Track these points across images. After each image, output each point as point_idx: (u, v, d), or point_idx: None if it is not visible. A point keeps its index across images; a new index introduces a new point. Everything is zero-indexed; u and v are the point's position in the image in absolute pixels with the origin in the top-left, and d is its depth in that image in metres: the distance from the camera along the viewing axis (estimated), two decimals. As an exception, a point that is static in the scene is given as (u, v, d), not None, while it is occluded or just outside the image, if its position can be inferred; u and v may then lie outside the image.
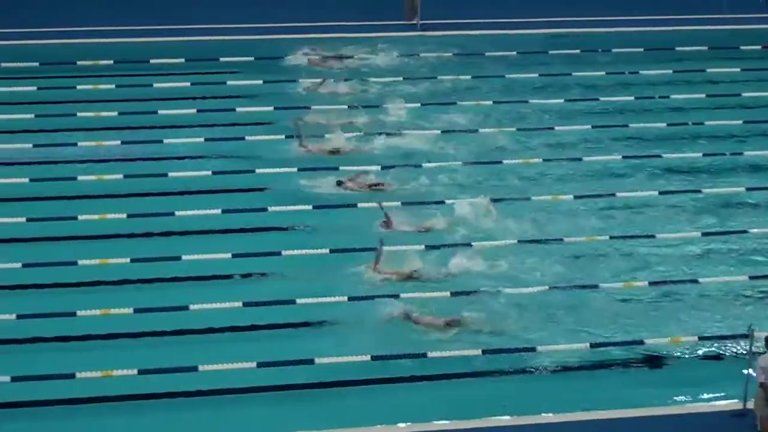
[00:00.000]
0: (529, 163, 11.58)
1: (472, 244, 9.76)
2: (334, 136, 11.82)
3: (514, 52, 14.65)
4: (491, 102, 13.15)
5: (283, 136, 11.90)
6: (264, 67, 13.78)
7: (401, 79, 13.70)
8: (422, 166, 11.34)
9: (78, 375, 7.78)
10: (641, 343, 8.44)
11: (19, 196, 10.41)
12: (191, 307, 8.69)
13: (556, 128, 12.46)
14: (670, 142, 12.17)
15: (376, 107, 12.72)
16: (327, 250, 9.53)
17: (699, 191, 11.01)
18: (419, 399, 7.84)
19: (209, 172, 11.04)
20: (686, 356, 8.42)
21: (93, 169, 11.04)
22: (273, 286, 9.05)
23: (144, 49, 14.16)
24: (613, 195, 10.89)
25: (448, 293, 9.06)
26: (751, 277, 9.42)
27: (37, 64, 13.64)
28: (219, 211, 10.27)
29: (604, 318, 8.86)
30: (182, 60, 13.81)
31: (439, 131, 12.26)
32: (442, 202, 10.49)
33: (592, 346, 8.40)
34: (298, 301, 8.75)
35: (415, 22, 15.56)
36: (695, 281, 9.35)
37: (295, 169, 11.13)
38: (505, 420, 7.64)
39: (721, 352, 8.44)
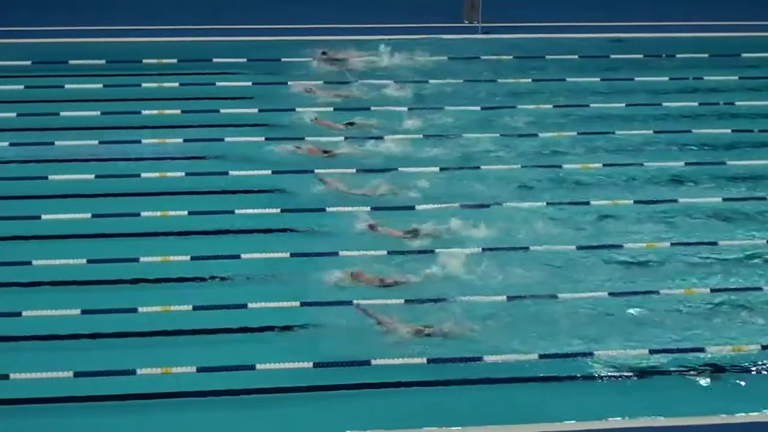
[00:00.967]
0: (588, 168, 11.57)
1: (530, 248, 9.75)
2: (389, 139, 11.88)
3: (576, 56, 14.60)
4: (551, 106, 13.15)
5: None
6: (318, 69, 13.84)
7: (461, 81, 13.74)
8: (480, 168, 11.38)
9: (139, 371, 7.93)
10: (701, 350, 8.38)
11: (85, 193, 10.58)
12: (250, 305, 8.78)
13: (618, 132, 12.40)
14: (734, 149, 12.05)
15: (439, 108, 12.78)
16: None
17: (765, 198, 10.88)
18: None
19: (269, 172, 11.13)
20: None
21: (156, 166, 11.20)
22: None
23: (208, 48, 14.30)
24: (675, 201, 10.82)
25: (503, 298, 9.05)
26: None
27: (103, 61, 13.85)
28: (278, 210, 10.36)
29: (676, 324, 8.71)
30: (244, 60, 13.90)
31: (498, 134, 12.28)
32: (500, 205, 10.50)
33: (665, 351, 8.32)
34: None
35: (475, 23, 15.57)
36: (759, 289, 9.26)
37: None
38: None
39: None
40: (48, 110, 12.36)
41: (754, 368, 8.29)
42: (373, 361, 8.09)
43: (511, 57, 14.57)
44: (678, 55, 14.54)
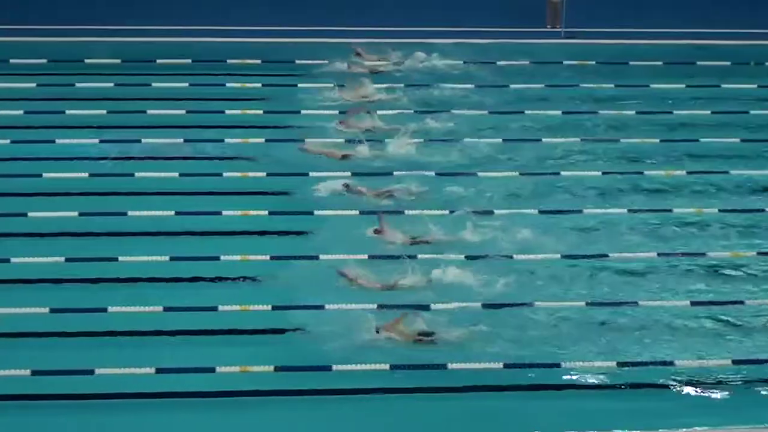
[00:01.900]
0: (672, 175, 11.42)
1: (609, 255, 9.66)
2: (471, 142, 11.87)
3: (660, 62, 14.42)
4: (634, 112, 12.99)
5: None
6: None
7: (542, 86, 13.66)
8: (560, 174, 11.30)
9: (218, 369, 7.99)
10: None
11: (169, 190, 10.75)
12: (326, 307, 8.82)
13: (702, 140, 12.21)
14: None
15: (519, 113, 12.74)
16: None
17: None
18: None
19: (349, 173, 11.16)
20: None
21: (238, 166, 11.32)
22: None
23: (290, 49, 14.43)
24: (763, 211, 10.64)
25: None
26: None
27: (189, 61, 14.08)
28: (356, 212, 10.38)
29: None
30: (326, 61, 13.97)
31: (579, 138, 12.20)
32: (580, 211, 10.44)
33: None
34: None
35: (558, 28, 15.48)
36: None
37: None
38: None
39: None
40: (135, 108, 12.61)
41: None
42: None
43: (594, 62, 14.48)
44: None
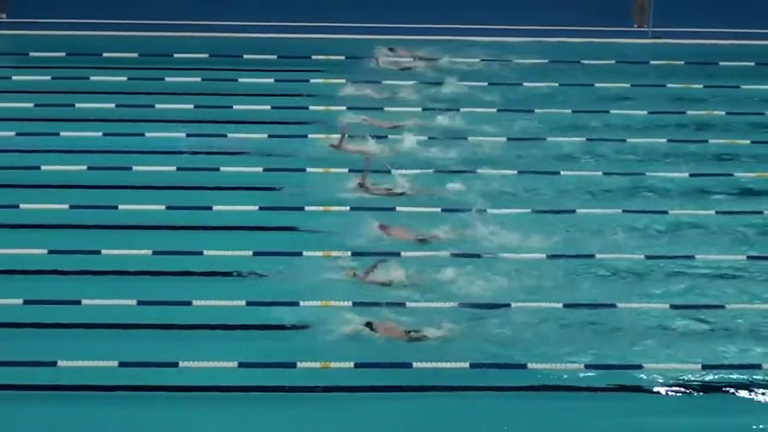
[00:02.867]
0: (763, 176, 11.18)
1: (696, 256, 9.53)
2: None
3: (752, 63, 14.15)
4: (724, 113, 12.77)
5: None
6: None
7: (629, 85, 13.49)
8: (645, 174, 11.18)
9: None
10: None
11: (249, 185, 10.87)
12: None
13: (792, 142, 12.01)
14: None
15: (605, 112, 12.61)
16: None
17: None
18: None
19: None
20: None
21: (322, 162, 11.38)
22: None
23: (371, 46, 14.49)
24: None
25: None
26: None
27: (275, 57, 14.21)
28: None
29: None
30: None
31: (665, 140, 12.04)
32: (664, 212, 10.29)
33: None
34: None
35: (645, 28, 15.29)
36: None
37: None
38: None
39: None
40: (222, 103, 12.79)
41: None
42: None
43: (682, 62, 14.26)
44: None
